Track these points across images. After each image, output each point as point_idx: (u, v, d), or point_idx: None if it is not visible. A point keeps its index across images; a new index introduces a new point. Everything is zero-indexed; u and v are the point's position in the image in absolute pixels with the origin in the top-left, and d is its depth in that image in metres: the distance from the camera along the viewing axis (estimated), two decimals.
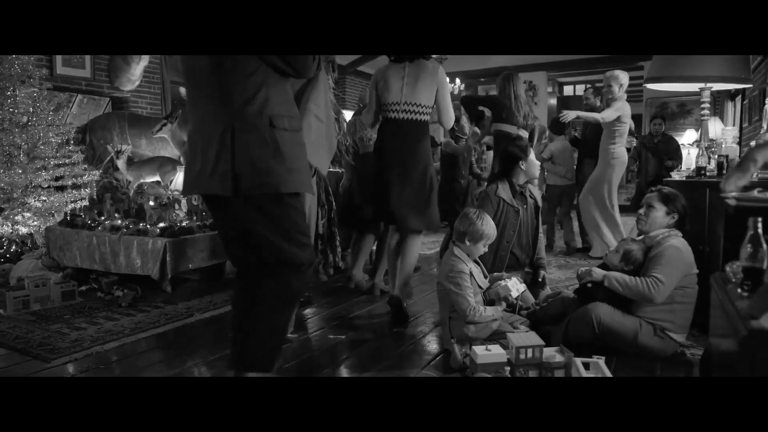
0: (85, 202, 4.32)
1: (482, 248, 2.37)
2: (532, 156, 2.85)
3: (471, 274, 2.31)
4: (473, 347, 2.04)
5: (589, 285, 2.39)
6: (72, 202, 4.35)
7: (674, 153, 5.47)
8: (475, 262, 2.42)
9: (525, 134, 3.92)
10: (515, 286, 2.30)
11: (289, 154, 1.74)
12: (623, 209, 7.50)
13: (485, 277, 2.45)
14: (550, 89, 8.96)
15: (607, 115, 4.17)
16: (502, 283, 2.31)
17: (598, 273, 2.36)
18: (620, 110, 4.20)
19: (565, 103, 9.93)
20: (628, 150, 4.55)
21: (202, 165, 1.73)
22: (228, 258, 2.08)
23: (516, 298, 2.34)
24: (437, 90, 2.79)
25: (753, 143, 2.92)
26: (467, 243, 2.33)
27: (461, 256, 2.34)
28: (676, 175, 3.25)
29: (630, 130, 4.66)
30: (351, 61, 8.44)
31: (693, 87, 3.01)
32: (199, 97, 1.77)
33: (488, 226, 2.33)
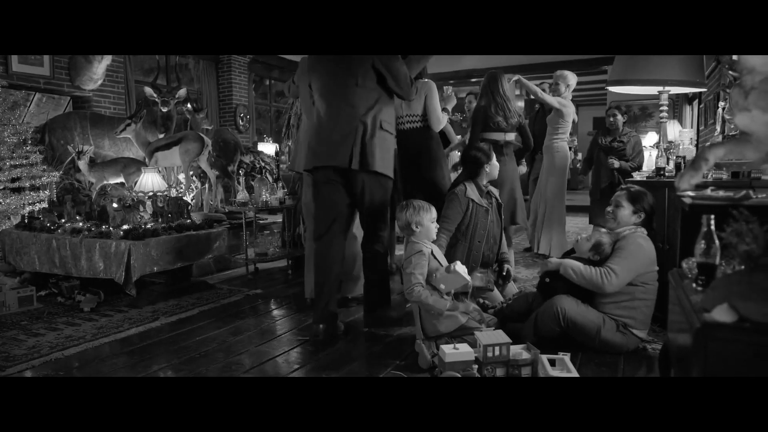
0: (44, 205, 4.17)
1: (432, 226, 2.44)
2: (493, 158, 2.94)
3: (432, 254, 2.39)
4: (441, 346, 2.07)
5: (547, 280, 2.45)
6: (30, 204, 4.19)
7: (628, 155, 4.37)
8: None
9: (511, 137, 3.76)
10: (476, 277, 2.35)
11: (387, 148, 2.64)
12: (584, 209, 7.70)
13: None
14: (518, 92, 9.12)
15: (549, 99, 4.40)
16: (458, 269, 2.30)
17: (554, 262, 2.45)
18: (563, 105, 4.40)
19: (532, 105, 10.10)
20: (571, 149, 4.69)
21: (329, 147, 2.59)
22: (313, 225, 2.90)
23: (479, 288, 2.40)
24: (425, 98, 3.28)
25: (708, 144, 3.04)
26: (417, 229, 2.41)
27: (419, 240, 2.41)
28: (637, 176, 3.35)
29: (575, 128, 4.79)
30: None
31: (653, 90, 3.12)
32: (330, 106, 2.61)
33: (421, 206, 2.43)
